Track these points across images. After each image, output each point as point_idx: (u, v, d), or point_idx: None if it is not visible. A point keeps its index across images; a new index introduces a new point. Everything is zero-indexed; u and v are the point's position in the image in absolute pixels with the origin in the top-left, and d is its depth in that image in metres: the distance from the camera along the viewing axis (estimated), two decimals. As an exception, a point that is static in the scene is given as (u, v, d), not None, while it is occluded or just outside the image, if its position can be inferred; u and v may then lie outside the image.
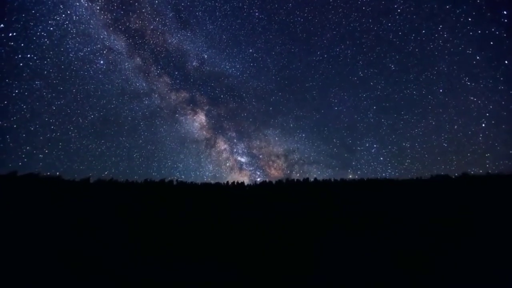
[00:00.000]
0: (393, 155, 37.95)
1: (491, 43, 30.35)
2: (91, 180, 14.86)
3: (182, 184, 21.97)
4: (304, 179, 27.96)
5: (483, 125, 32.54)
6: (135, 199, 16.15)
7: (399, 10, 36.96)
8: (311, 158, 42.63)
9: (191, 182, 23.23)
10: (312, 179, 28.07)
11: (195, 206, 15.81)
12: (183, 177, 41.20)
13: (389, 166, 37.31)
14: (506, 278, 4.63)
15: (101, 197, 14.34)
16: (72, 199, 12.17)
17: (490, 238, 6.41)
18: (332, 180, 27.80)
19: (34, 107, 32.37)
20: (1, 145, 29.49)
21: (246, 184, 27.19)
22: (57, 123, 34.17)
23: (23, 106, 31.36)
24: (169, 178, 23.07)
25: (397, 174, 37.15)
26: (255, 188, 26.07)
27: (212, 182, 40.84)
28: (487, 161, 32.21)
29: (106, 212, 11.90)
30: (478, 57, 32.22)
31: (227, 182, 26.11)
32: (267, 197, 20.59)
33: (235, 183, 25.64)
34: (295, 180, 28.16)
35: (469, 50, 32.70)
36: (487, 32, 30.70)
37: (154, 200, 17.11)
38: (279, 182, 27.24)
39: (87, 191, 13.71)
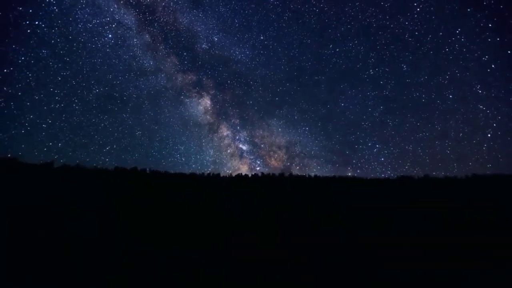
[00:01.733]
0: (394, 157, 37.48)
1: (508, 52, 29.80)
2: (55, 165, 14.46)
3: (155, 173, 21.85)
4: (280, 174, 28.58)
5: (489, 135, 31.90)
6: (103, 187, 15.91)
7: (418, 9, 35.72)
8: (312, 152, 42.71)
9: (165, 172, 23.20)
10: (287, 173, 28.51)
11: (168, 196, 15.81)
12: (183, 159, 40.79)
13: (389, 167, 37.22)
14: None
15: (65, 183, 14.04)
16: (31, 185, 11.85)
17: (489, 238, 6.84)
18: (307, 176, 28.43)
19: (39, 76, 32.10)
20: (5, 111, 29.45)
21: (222, 175, 27.34)
22: (61, 94, 33.94)
23: (28, 74, 31.15)
24: (143, 167, 22.79)
25: (396, 176, 36.90)
26: (231, 180, 26.26)
27: (212, 166, 41.22)
28: (487, 172, 31.65)
29: (70, 200, 11.70)
30: (493, 66, 31.53)
31: (203, 173, 26.28)
32: (244, 190, 20.84)
33: (211, 175, 25.79)
34: (272, 174, 28.66)
35: (485, 58, 31.94)
36: (506, 40, 30.09)
37: (125, 189, 16.93)
38: (255, 175, 27.63)
39: (50, 176, 13.36)
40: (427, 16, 35.43)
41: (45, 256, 5.81)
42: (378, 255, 6.38)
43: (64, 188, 13.55)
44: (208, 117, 43.79)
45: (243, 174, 28.65)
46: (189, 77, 43.47)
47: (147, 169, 21.94)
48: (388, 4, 37.43)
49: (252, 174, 29.09)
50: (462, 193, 13.84)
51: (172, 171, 24.30)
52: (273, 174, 29.68)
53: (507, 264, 5.41)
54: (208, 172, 26.34)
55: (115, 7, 36.80)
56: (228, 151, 43.16)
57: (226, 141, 43.65)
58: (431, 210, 8.87)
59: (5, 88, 29.14)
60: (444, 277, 5.42)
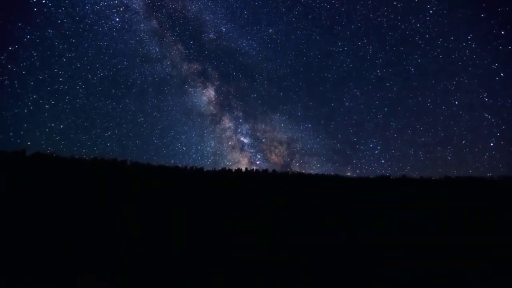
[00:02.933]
0: (395, 160, 37.10)
1: (519, 60, 29.17)
2: (27, 153, 13.15)
3: (136, 165, 20.76)
4: (263, 170, 28.47)
5: (491, 144, 31.43)
6: (79, 178, 14.88)
7: (431, 11, 34.97)
8: (313, 150, 42.59)
9: (147, 163, 22.21)
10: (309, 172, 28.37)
11: (147, 189, 15.13)
12: (184, 148, 40.39)
13: (389, 169, 36.68)
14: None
15: (37, 173, 12.92)
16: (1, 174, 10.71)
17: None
18: (290, 172, 28.61)
19: (44, 55, 31.89)
20: (9, 89, 29.31)
21: (205, 170, 26.74)
22: (66, 75, 33.74)
23: (33, 53, 30.92)
24: (123, 158, 21.74)
25: (375, 176, 36.51)
26: (214, 174, 25.78)
27: (212, 158, 41.06)
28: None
29: (41, 191, 10.76)
30: (502, 74, 30.93)
31: (186, 166, 25.49)
32: (227, 185, 20.54)
33: (194, 169, 25.07)
34: (256, 170, 28.48)
35: (494, 65, 31.40)
36: (518, 49, 29.20)
37: (102, 180, 15.97)
38: (239, 171, 27.27)
39: (21, 165, 12.17)
40: (440, 19, 34.76)
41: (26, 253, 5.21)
42: (378, 255, 6.39)
43: (36, 179, 12.45)
44: (211, 108, 43.23)
45: (227, 169, 28.25)
46: (195, 67, 42.73)
47: (128, 160, 20.96)
48: (401, 4, 36.67)
49: (235, 169, 28.78)
50: (438, 193, 14.49)
51: (153, 164, 23.52)
52: (257, 170, 29.58)
53: (506, 264, 5.59)
54: (191, 166, 25.66)
55: (123, -10, 35.93)
56: (229, 143, 42.80)
57: (227, 133, 43.21)
58: (431, 210, 9.17)
59: (9, 66, 28.89)
60: (444, 277, 5.49)
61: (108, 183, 15.07)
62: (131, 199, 10.91)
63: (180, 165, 25.29)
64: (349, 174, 36.75)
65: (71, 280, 4.20)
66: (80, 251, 5.57)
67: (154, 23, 39.84)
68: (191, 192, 15.88)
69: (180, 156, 40.15)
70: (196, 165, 25.71)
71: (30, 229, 6.70)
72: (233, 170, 28.13)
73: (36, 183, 11.67)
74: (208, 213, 9.90)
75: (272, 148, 42.75)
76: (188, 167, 25.13)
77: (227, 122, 43.23)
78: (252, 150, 42.45)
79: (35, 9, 30.33)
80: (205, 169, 26.43)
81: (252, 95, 44.73)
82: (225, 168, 27.71)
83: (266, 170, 29.30)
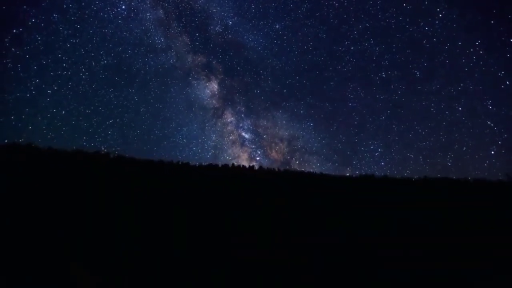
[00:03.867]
0: (395, 163, 37.34)
1: (526, 70, 29.61)
2: (22, 142, 11.96)
3: (120, 158, 19.81)
4: (250, 166, 28.14)
5: (492, 152, 31.43)
6: (59, 171, 13.92)
7: (440, 15, 34.37)
8: (313, 148, 42.74)
9: (131, 157, 21.22)
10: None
11: (131, 184, 14.43)
12: (184, 140, 39.99)
13: (388, 172, 37.18)
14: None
15: (12, 165, 11.92)
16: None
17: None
18: (277, 169, 28.49)
19: (48, 40, 31.55)
20: (12, 72, 28.94)
21: (191, 164, 26.00)
22: (69, 61, 33.21)
23: (37, 37, 30.56)
24: (106, 150, 20.67)
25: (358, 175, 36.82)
26: (201, 169, 25.17)
27: (213, 151, 40.46)
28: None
29: (18, 183, 9.91)
30: (507, 82, 30.55)
31: (172, 161, 24.64)
32: (215, 181, 20.10)
33: (180, 163, 24.33)
34: (242, 166, 28.13)
35: (501, 73, 31.01)
36: (526, 57, 29.57)
37: (83, 173, 15.05)
38: (225, 166, 26.83)
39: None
40: (449, 23, 34.26)
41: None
42: (378, 255, 6.39)
43: (11, 173, 11.47)
44: (214, 101, 43.66)
45: (214, 164, 27.73)
46: (199, 59, 43.04)
47: (111, 153, 19.87)
48: (410, 7, 36.32)
49: (222, 165, 28.27)
50: (438, 193, 14.87)
51: (139, 158, 22.44)
52: (244, 166, 29.22)
53: (506, 264, 5.74)
54: (178, 161, 24.83)
55: (129, -23, 35.24)
56: (230, 137, 42.64)
57: (229, 128, 43.33)
58: (431, 210, 9.39)
59: (13, 49, 28.60)
60: (444, 277, 5.55)
61: (91, 177, 14.24)
62: (126, 197, 10.32)
63: (165, 160, 24.35)
64: (348, 174, 37.22)
65: (71, 280, 3.83)
66: (80, 250, 5.11)
67: (161, 12, 40.15)
68: (179, 188, 15.35)
69: (181, 148, 40.19)
70: (182, 160, 24.83)
71: (25, 228, 6.09)
72: (220, 165, 27.61)
73: (13, 177, 10.75)
74: (197, 211, 9.57)
75: (273, 144, 42.83)
76: (174, 162, 24.30)
77: (229, 117, 43.17)
78: (253, 146, 42.51)
79: (41, -8, 29.71)
80: (190, 164, 25.71)
81: (255, 91, 44.88)
82: (211, 163, 27.19)
83: (253, 166, 29.07)
